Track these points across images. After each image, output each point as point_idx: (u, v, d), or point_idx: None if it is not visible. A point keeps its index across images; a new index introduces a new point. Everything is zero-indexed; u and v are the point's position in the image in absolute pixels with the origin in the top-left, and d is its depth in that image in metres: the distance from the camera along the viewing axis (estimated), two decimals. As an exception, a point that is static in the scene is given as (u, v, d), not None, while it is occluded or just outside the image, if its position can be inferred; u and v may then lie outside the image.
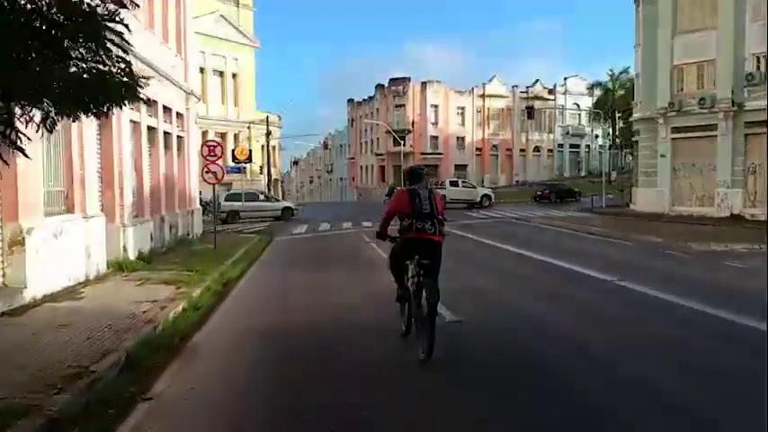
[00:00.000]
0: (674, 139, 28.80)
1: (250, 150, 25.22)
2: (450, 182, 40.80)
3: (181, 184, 19.11)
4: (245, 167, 26.46)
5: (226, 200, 30.38)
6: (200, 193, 20.12)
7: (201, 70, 42.22)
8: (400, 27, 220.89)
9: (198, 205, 21.15)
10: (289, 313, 8.73)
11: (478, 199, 39.24)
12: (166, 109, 17.28)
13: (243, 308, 9.42)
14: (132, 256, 13.24)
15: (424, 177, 6.54)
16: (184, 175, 19.30)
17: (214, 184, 16.14)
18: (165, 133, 17.24)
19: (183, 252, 15.74)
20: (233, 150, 27.71)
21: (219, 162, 16.04)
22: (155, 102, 15.91)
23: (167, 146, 17.65)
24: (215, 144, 16.15)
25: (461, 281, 10.65)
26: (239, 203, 30.42)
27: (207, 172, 15.88)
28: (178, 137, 18.60)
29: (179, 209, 18.56)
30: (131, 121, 14.02)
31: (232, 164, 31.21)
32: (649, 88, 29.81)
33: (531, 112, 43.41)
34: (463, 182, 42.36)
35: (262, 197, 33.02)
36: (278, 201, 34.56)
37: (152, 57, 15.12)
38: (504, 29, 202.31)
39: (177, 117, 18.54)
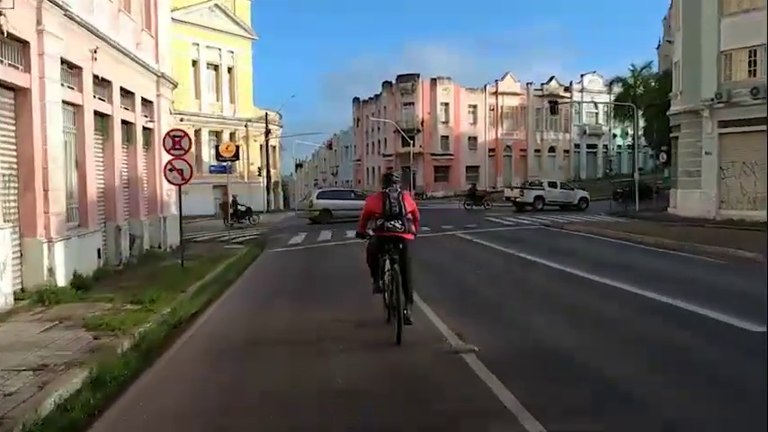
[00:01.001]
0: (721, 134, 25.45)
1: (237, 147, 21.78)
2: (549, 183, 38.03)
3: (150, 186, 15.87)
4: (230, 166, 23.08)
5: (318, 197, 29.81)
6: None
7: (194, 63, 39.26)
8: (402, 26, 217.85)
9: (174, 211, 17.83)
10: (255, 397, 5.26)
11: (576, 201, 36.79)
12: (127, 93, 14.05)
13: (182, 380, 5.88)
14: (63, 280, 9.94)
15: (395, 182, 7.16)
16: (154, 174, 16.02)
17: (179, 185, 12.74)
18: (126, 122, 14.00)
19: (142, 271, 12.45)
20: (217, 147, 24.45)
21: (187, 157, 12.64)
22: (107, 82, 12.68)
23: (129, 139, 14.42)
24: (181, 134, 12.69)
25: (526, 334, 7.36)
26: (332, 201, 28.93)
27: (171, 170, 12.35)
28: (144, 128, 15.33)
29: (146, 215, 15.30)
30: (67, 102, 10.75)
31: (217, 162, 28.02)
32: (692, 77, 26.39)
33: (554, 107, 39.88)
34: (562, 183, 39.72)
35: (353, 195, 31.24)
36: None
37: (99, 23, 11.90)
38: (508, 29, 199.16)
39: (143, 104, 15.28)
